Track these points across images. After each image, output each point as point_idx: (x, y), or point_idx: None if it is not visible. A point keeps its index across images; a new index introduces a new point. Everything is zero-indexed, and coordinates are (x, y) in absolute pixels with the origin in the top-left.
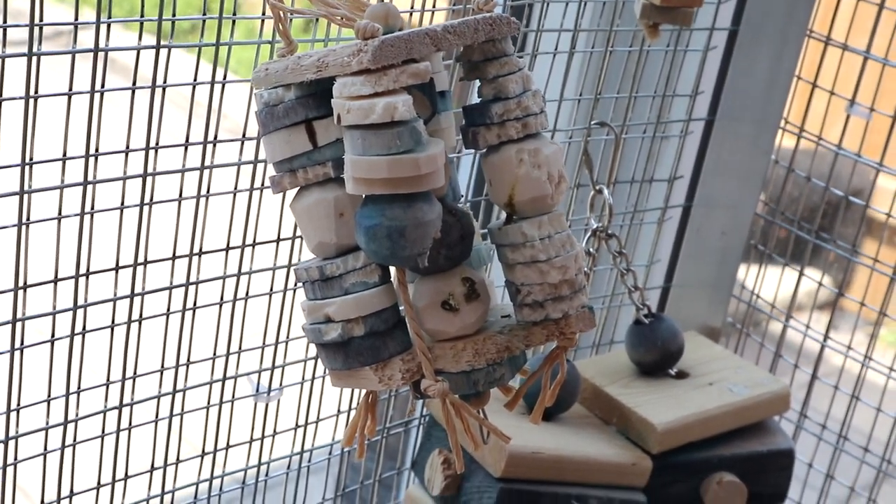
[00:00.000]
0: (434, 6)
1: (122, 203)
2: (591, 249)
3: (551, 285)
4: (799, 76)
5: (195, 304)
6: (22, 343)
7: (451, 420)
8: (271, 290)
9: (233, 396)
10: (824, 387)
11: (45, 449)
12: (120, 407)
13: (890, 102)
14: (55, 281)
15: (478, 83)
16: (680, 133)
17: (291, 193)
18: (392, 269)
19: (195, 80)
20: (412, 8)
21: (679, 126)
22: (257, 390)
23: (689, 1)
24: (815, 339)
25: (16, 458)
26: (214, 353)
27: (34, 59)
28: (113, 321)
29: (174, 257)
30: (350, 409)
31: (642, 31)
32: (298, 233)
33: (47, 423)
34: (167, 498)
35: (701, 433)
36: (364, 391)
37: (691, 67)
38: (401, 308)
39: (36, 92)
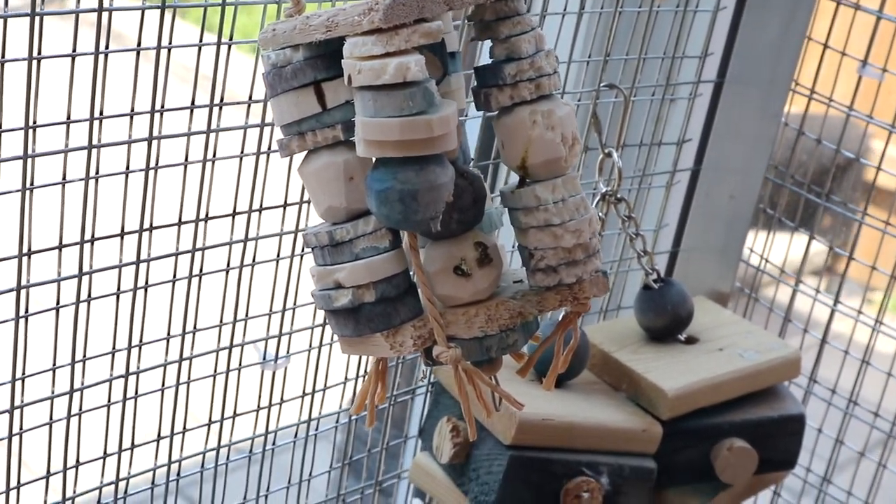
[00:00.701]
0: None
1: (128, 168)
2: (599, 214)
3: (565, 249)
4: (810, 37)
5: (201, 270)
6: (27, 311)
7: (464, 387)
8: (278, 256)
9: (239, 364)
10: (831, 354)
11: (51, 418)
12: (126, 375)
13: None
14: (59, 247)
15: (488, 43)
16: (689, 95)
17: (299, 157)
18: (403, 234)
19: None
20: None
21: (688, 88)
22: (264, 358)
23: None
24: (825, 304)
25: (21, 428)
26: (221, 321)
27: (37, 19)
28: (118, 288)
29: (180, 223)
30: (357, 376)
31: None
32: (306, 197)
33: (52, 392)
34: (174, 467)
35: (711, 399)
36: (374, 358)
37: (701, 28)
38: (411, 273)
39: (39, 53)
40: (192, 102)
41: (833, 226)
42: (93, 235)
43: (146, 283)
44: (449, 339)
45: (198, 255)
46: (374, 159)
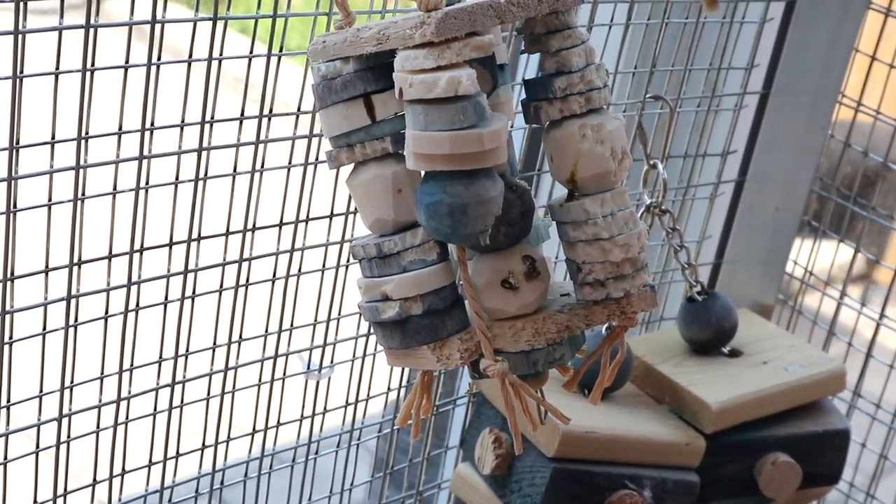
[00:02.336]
0: None
1: (177, 178)
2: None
3: (613, 263)
4: (857, 49)
5: (247, 280)
6: (76, 320)
7: (510, 400)
8: (323, 266)
9: (284, 374)
10: (876, 365)
11: (98, 427)
12: (172, 385)
13: None
14: (109, 257)
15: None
16: (734, 107)
17: (346, 169)
18: (451, 246)
19: (251, 52)
20: None
21: (733, 100)
22: (308, 367)
23: None
24: (870, 318)
25: (69, 436)
26: (266, 331)
27: (91, 31)
28: (166, 298)
29: (227, 233)
30: (400, 386)
31: (698, 3)
32: (352, 208)
33: (100, 401)
34: (217, 476)
35: (755, 413)
36: (420, 370)
37: (747, 39)
38: (458, 285)
39: (93, 65)
40: (242, 113)
41: (872, 233)
42: (142, 245)
43: (193, 292)
44: (496, 353)
45: (244, 265)
46: (422, 172)
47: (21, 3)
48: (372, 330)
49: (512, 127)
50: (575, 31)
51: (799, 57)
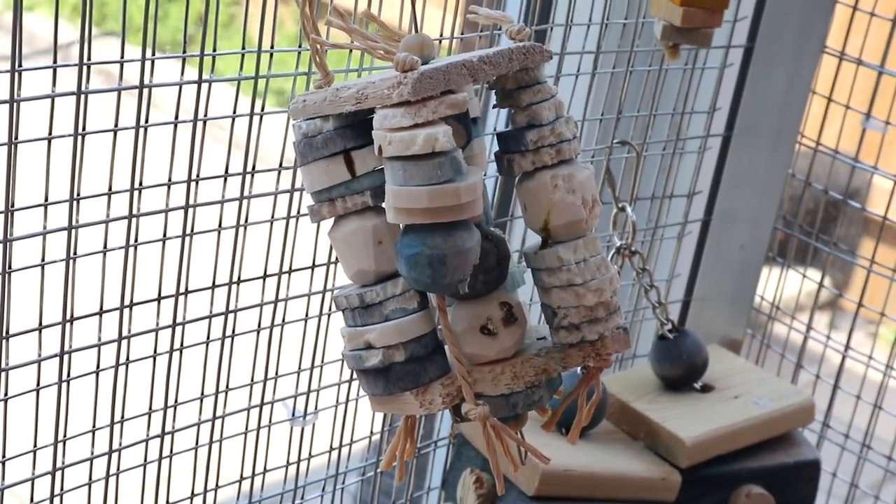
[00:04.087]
0: (462, 33)
1: (164, 234)
2: (614, 266)
3: (587, 308)
4: (814, 90)
5: (234, 331)
6: (69, 375)
7: (492, 443)
8: (306, 315)
9: (269, 421)
10: (845, 394)
11: (90, 479)
12: (162, 435)
13: None
14: (100, 313)
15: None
16: (698, 149)
17: (328, 221)
18: (430, 295)
19: (234, 111)
20: (441, 35)
21: (697, 142)
22: (293, 415)
23: (709, 21)
24: (836, 350)
25: (62, 489)
26: (252, 380)
27: (83, 97)
28: (155, 351)
29: (213, 286)
30: (382, 431)
31: (661, 51)
32: (333, 258)
33: (92, 454)
34: None
35: (728, 446)
36: (403, 415)
37: (708, 84)
38: (438, 330)
39: (84, 129)
40: (226, 170)
41: (838, 260)
42: (131, 301)
43: (181, 345)
44: (477, 396)
45: (230, 316)
46: (402, 225)
47: (16, 74)
48: (355, 377)
49: (485, 176)
50: (544, 86)
51: (758, 100)
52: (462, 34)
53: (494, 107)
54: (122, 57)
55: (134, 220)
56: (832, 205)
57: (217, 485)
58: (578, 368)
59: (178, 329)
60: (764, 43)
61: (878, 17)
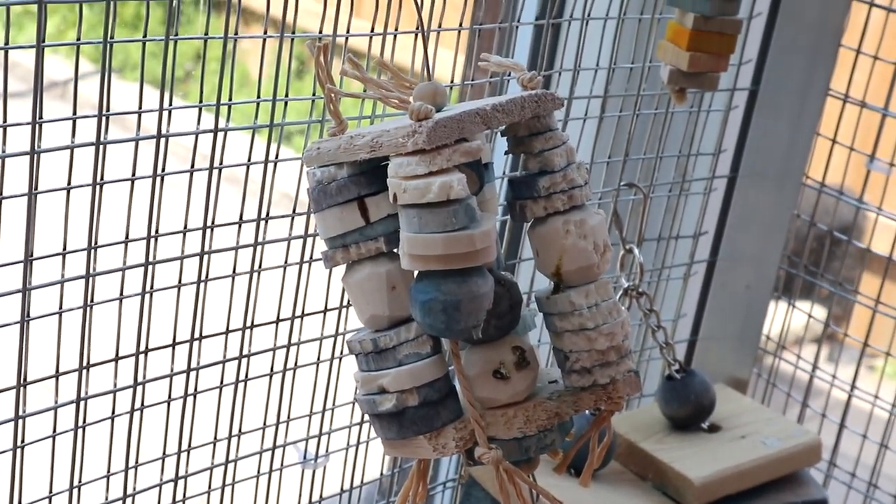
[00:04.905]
0: (472, 79)
1: (180, 281)
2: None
3: (599, 352)
4: (818, 132)
5: (247, 375)
6: (84, 421)
7: (505, 486)
8: (318, 359)
9: (281, 464)
10: (852, 427)
11: None
12: (175, 479)
13: None
14: (116, 360)
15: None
16: (704, 191)
17: (341, 267)
18: (444, 340)
19: (249, 158)
20: (451, 82)
21: (703, 184)
22: (304, 458)
23: (715, 66)
24: (842, 390)
25: None
26: (264, 423)
27: (101, 147)
28: (169, 396)
29: (227, 331)
30: (393, 472)
31: (666, 94)
32: (345, 302)
33: (107, 499)
34: None
35: (736, 486)
36: (416, 459)
37: (714, 126)
38: (451, 372)
39: (102, 178)
40: (241, 217)
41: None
42: (146, 347)
43: (195, 389)
44: (489, 440)
45: (244, 361)
46: (416, 271)
47: (36, 126)
48: (366, 419)
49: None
50: (556, 133)
51: (763, 142)
52: (473, 80)
53: (506, 153)
54: (140, 107)
55: (150, 267)
56: (834, 243)
57: None
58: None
59: (193, 374)
60: (768, 86)
61: (881, 60)
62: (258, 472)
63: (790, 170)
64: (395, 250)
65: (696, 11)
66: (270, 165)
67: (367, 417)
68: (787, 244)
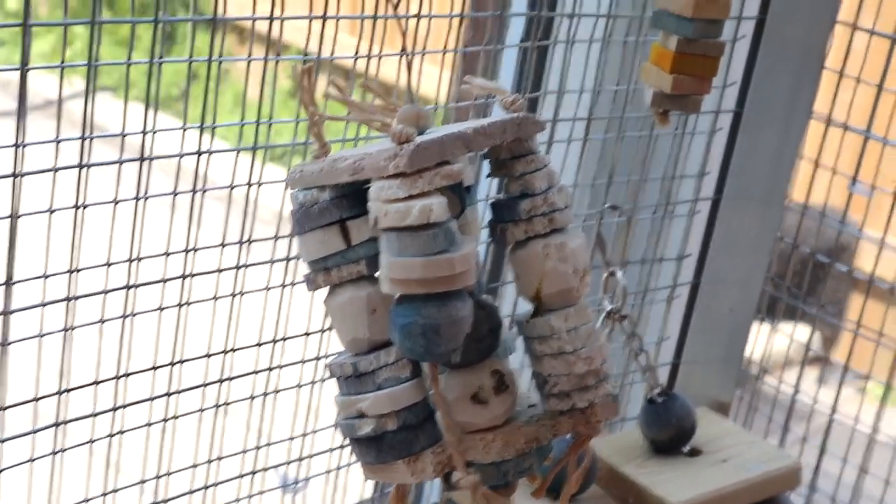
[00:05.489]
0: (458, 99)
1: (161, 305)
2: (605, 330)
3: (578, 376)
4: (802, 155)
5: (227, 400)
6: (63, 446)
7: None
8: (299, 383)
9: (262, 489)
10: (832, 447)
11: None
12: None
13: (891, 176)
14: (96, 383)
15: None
16: (688, 213)
17: (323, 289)
18: (423, 363)
19: (232, 180)
20: (436, 104)
21: (687, 206)
22: (285, 482)
23: (699, 89)
24: (823, 413)
25: None
26: (244, 448)
27: (84, 170)
28: (150, 420)
29: (208, 355)
30: (374, 497)
31: (651, 117)
32: (327, 325)
33: None
34: None
35: None
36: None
37: (698, 149)
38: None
39: (84, 201)
40: (223, 240)
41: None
42: (127, 370)
43: (175, 414)
44: (467, 465)
45: (224, 385)
46: (396, 294)
47: (20, 148)
48: (347, 444)
49: (478, 242)
50: (538, 156)
51: (747, 164)
52: (458, 100)
53: (488, 176)
54: (123, 129)
55: (131, 290)
56: (819, 266)
57: None
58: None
59: (173, 398)
60: (752, 108)
61: (864, 82)
62: (238, 496)
63: (774, 192)
64: (376, 274)
65: (680, 34)
66: (254, 187)
67: (347, 442)
68: (771, 267)
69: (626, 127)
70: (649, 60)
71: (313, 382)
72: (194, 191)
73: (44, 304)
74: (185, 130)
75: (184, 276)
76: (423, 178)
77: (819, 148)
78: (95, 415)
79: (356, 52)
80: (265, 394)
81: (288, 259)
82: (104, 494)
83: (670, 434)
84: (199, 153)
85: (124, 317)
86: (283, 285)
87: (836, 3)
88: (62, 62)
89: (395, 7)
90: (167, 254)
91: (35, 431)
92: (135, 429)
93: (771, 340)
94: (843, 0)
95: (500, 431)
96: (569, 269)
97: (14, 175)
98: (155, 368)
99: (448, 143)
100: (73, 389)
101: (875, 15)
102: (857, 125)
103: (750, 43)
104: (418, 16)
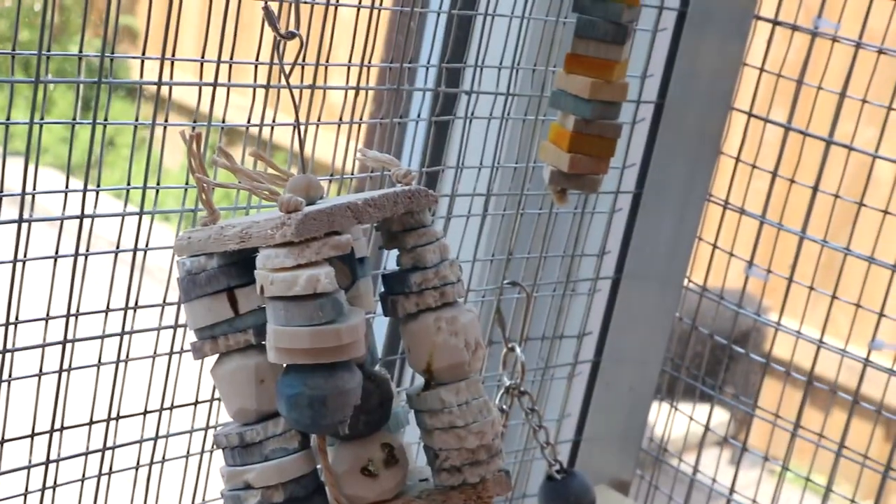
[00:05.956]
0: (353, 169)
1: (41, 370)
2: (503, 406)
3: (469, 450)
4: (700, 237)
5: (111, 469)
6: None
7: None
8: (188, 453)
9: None
10: None
11: None
12: None
13: (787, 260)
14: (31, 435)
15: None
16: (588, 291)
17: (211, 358)
18: (312, 435)
19: (118, 245)
20: (331, 172)
21: (587, 284)
22: None
23: (596, 168)
24: (721, 493)
25: None
26: None
27: (24, 225)
28: (27, 488)
29: (91, 422)
30: None
31: (550, 195)
32: (216, 395)
33: None
34: None
35: None
36: None
37: (598, 228)
38: (319, 471)
39: (25, 256)
40: (108, 306)
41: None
42: (3, 438)
43: (55, 483)
44: None
45: (107, 453)
46: (284, 364)
47: None
48: None
49: (374, 315)
50: (429, 230)
51: (647, 244)
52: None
53: (380, 248)
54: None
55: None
56: (719, 348)
57: None
58: None
59: (52, 466)
60: (651, 189)
61: (759, 168)
62: None
63: (672, 272)
64: (264, 343)
65: (578, 114)
66: (140, 254)
67: None
68: (670, 347)
69: (526, 204)
70: (548, 139)
71: (202, 453)
72: (76, 254)
73: None
74: (66, 194)
75: (64, 342)
76: (310, 248)
77: (717, 230)
78: (29, 467)
79: (248, 117)
80: (151, 463)
81: (176, 326)
82: None
83: None
84: (83, 217)
85: (1, 381)
86: (171, 353)
87: (732, 90)
88: None
89: (287, 76)
90: (47, 318)
91: None
92: (9, 498)
93: (670, 421)
94: (739, 88)
95: None
96: (460, 343)
97: None
98: (33, 436)
99: (337, 213)
100: (7, 441)
101: (769, 102)
102: (754, 210)
103: (649, 126)
104: (312, 87)
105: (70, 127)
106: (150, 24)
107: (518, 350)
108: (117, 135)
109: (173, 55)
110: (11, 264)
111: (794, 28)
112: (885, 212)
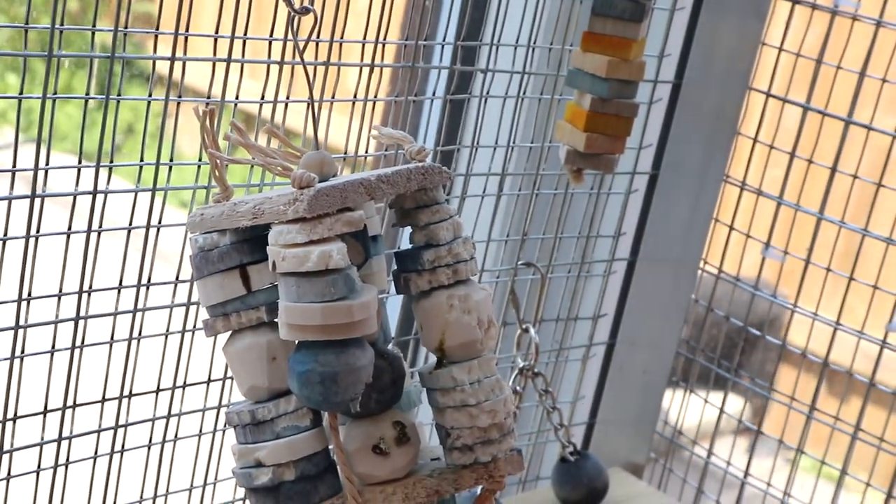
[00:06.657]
0: (367, 150)
1: (54, 347)
2: (517, 387)
3: (481, 429)
4: (717, 218)
5: (123, 446)
6: None
7: None
8: (200, 431)
9: None
10: None
11: None
12: None
13: (803, 244)
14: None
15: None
16: (603, 273)
17: (223, 336)
18: (323, 413)
19: (131, 222)
20: (345, 153)
21: (603, 266)
22: None
23: (612, 148)
24: (735, 476)
25: None
26: (141, 496)
27: (37, 201)
28: (39, 465)
29: (103, 400)
30: None
31: (566, 175)
32: (229, 373)
33: None
34: None
35: None
36: None
37: (614, 209)
38: (331, 450)
39: (38, 231)
40: (120, 283)
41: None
42: (16, 414)
43: (67, 459)
44: None
45: (120, 431)
46: (296, 341)
47: None
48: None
49: (387, 295)
50: (443, 207)
51: (662, 226)
52: (367, 151)
53: (393, 225)
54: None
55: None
56: (735, 331)
57: None
58: (477, 489)
59: (65, 443)
60: (667, 171)
61: (777, 149)
62: None
63: (688, 255)
64: (276, 320)
65: (594, 93)
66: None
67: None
68: (685, 330)
69: (542, 184)
70: (564, 118)
71: (214, 431)
72: (89, 231)
73: None
74: (79, 171)
75: (77, 318)
76: (322, 224)
77: (733, 212)
78: (39, 471)
79: (262, 97)
80: (163, 441)
81: (188, 304)
82: None
83: (582, 494)
84: (95, 192)
85: (12, 358)
86: (183, 331)
87: (750, 70)
88: None
89: (302, 53)
90: (60, 294)
91: None
92: (23, 475)
93: (685, 405)
94: (758, 68)
95: (400, 484)
96: (472, 321)
97: None
98: (46, 412)
99: (350, 189)
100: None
101: (788, 82)
102: (771, 191)
103: (666, 106)
104: (327, 63)
105: (86, 110)
106: (164, 3)
107: (532, 331)
108: (136, 121)
109: (187, 31)
110: (24, 240)
111: (814, 7)
112: None
